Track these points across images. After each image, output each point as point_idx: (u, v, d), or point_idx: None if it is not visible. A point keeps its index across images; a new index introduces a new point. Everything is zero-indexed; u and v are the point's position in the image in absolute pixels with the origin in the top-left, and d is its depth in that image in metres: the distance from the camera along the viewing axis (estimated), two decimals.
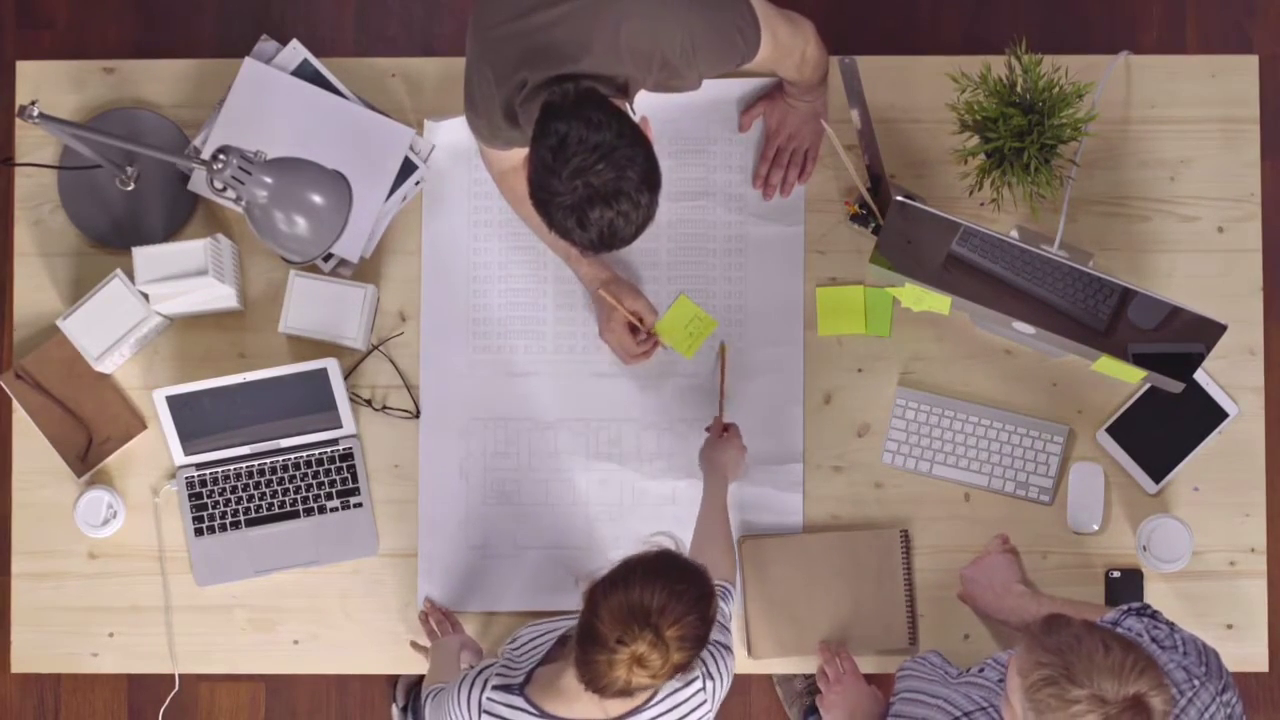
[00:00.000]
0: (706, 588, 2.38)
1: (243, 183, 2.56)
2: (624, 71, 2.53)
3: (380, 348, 2.98)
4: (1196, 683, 2.43)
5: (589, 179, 2.40)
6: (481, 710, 2.50)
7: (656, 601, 2.32)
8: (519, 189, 2.85)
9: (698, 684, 2.51)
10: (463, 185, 3.00)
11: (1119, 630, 2.52)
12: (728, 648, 2.59)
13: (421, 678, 3.42)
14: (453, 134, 2.99)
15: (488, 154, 2.88)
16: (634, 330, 2.93)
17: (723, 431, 2.89)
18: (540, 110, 2.45)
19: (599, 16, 2.49)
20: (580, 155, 2.40)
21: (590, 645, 2.34)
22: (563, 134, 2.40)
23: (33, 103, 2.58)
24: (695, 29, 2.54)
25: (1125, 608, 2.58)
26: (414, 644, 2.93)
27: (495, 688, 2.50)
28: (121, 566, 2.97)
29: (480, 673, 2.52)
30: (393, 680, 3.52)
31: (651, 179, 2.45)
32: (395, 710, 3.45)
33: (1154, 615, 2.56)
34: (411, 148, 2.96)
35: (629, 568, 2.37)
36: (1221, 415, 2.95)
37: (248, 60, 2.97)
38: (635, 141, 2.43)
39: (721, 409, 2.93)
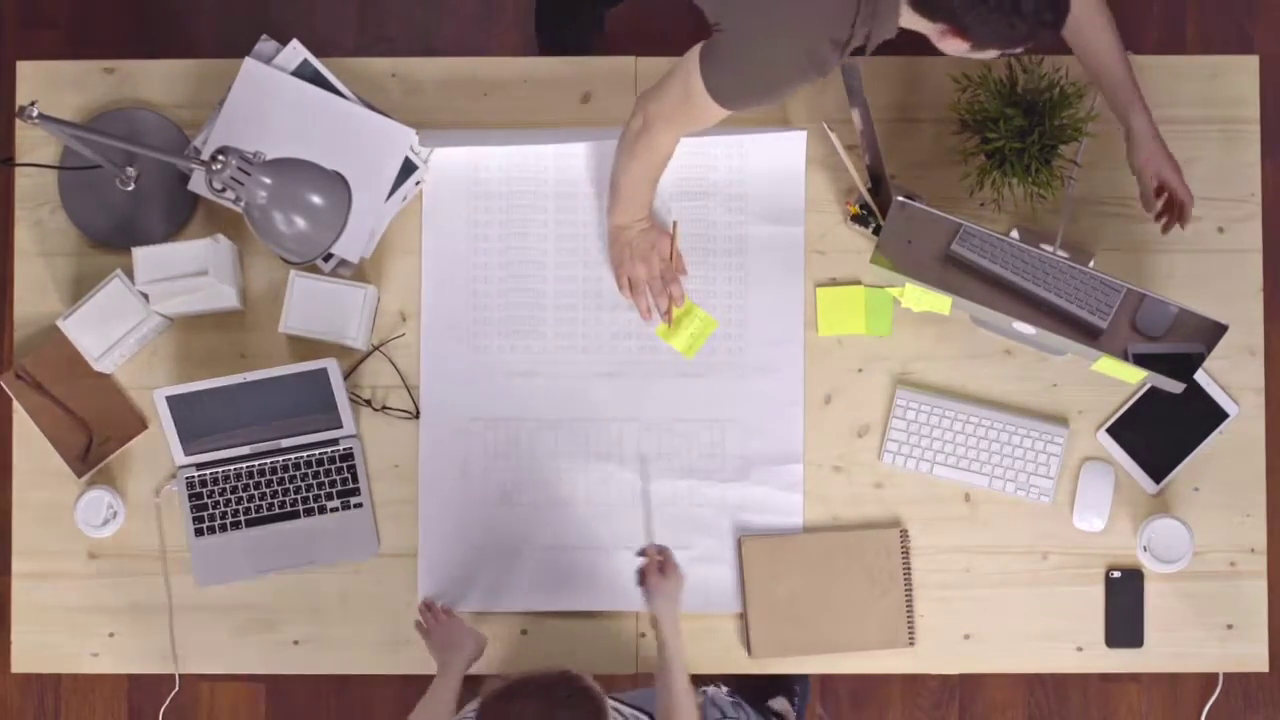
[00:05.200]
0: (592, 713, 2.35)
1: (242, 183, 2.56)
2: None
3: (381, 348, 2.98)
4: None
5: None
6: None
7: (533, 714, 2.32)
8: (666, 152, 2.77)
9: None
10: (463, 185, 3.00)
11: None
12: None
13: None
14: (448, 140, 2.99)
15: (693, 117, 2.70)
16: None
17: (658, 559, 2.75)
18: None
19: None
20: None
21: None
22: None
23: (32, 103, 2.58)
24: None
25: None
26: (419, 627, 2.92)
27: None
28: (121, 566, 2.97)
29: None
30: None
31: None
32: None
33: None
34: (411, 148, 2.96)
35: (520, 683, 2.37)
36: (1222, 415, 2.95)
37: (248, 60, 2.97)
38: None
39: (650, 534, 2.85)
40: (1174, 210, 2.79)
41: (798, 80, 2.56)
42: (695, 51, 2.61)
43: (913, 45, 3.67)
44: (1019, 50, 2.45)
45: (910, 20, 2.50)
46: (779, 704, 3.45)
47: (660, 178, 2.84)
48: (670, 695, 2.65)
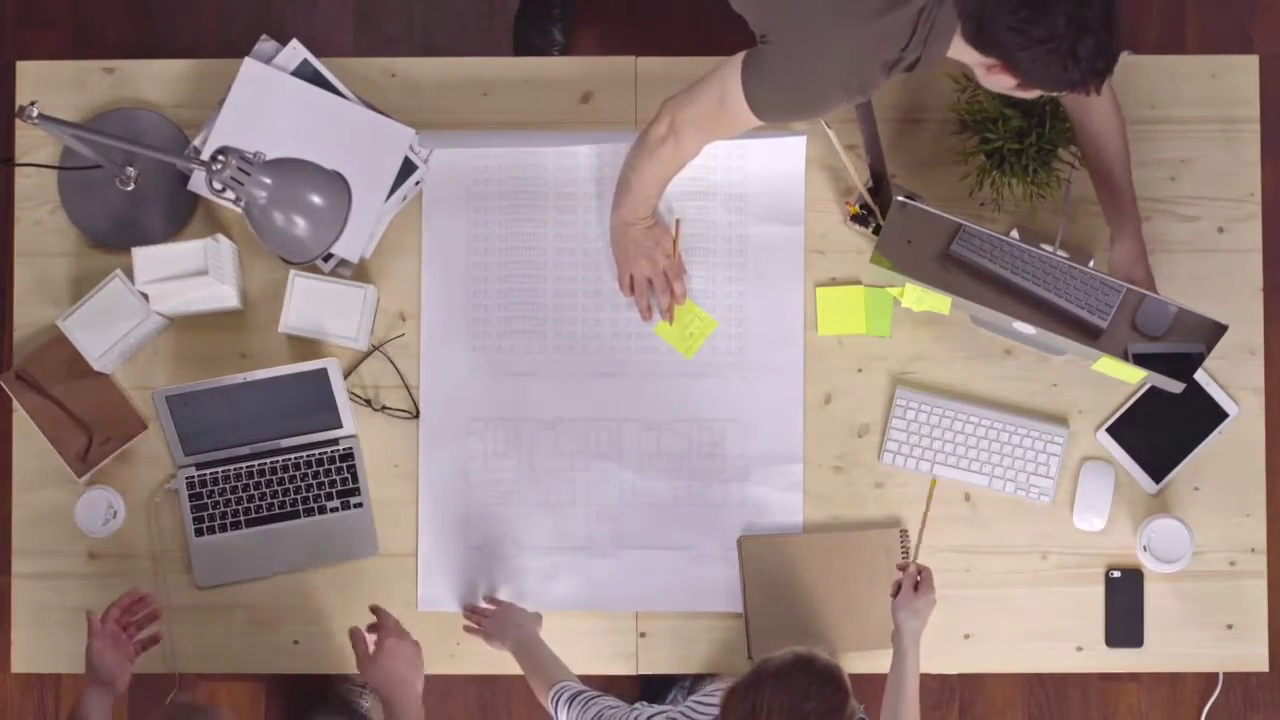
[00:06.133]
0: (837, 699, 2.35)
1: (242, 183, 2.55)
2: None
3: (380, 348, 2.98)
4: None
5: (1081, 11, 2.34)
6: None
7: (779, 713, 2.32)
8: (687, 156, 2.77)
9: None
10: (463, 185, 3.00)
11: None
12: None
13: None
14: (447, 142, 2.99)
15: (730, 123, 2.68)
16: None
17: (917, 577, 2.77)
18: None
19: None
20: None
21: None
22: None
23: (32, 103, 2.58)
24: None
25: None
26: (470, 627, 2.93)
27: None
28: (121, 566, 2.97)
29: None
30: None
31: None
32: None
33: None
34: (411, 148, 2.96)
35: (761, 672, 2.37)
36: (1222, 415, 2.95)
37: (248, 60, 2.97)
38: None
39: (916, 553, 2.86)
40: None
41: (841, 100, 2.56)
42: (736, 61, 2.60)
43: None
44: (1061, 94, 2.43)
45: (959, 51, 2.48)
46: None
47: (670, 180, 2.85)
48: (900, 705, 2.69)
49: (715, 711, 2.54)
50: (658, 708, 2.61)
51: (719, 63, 2.64)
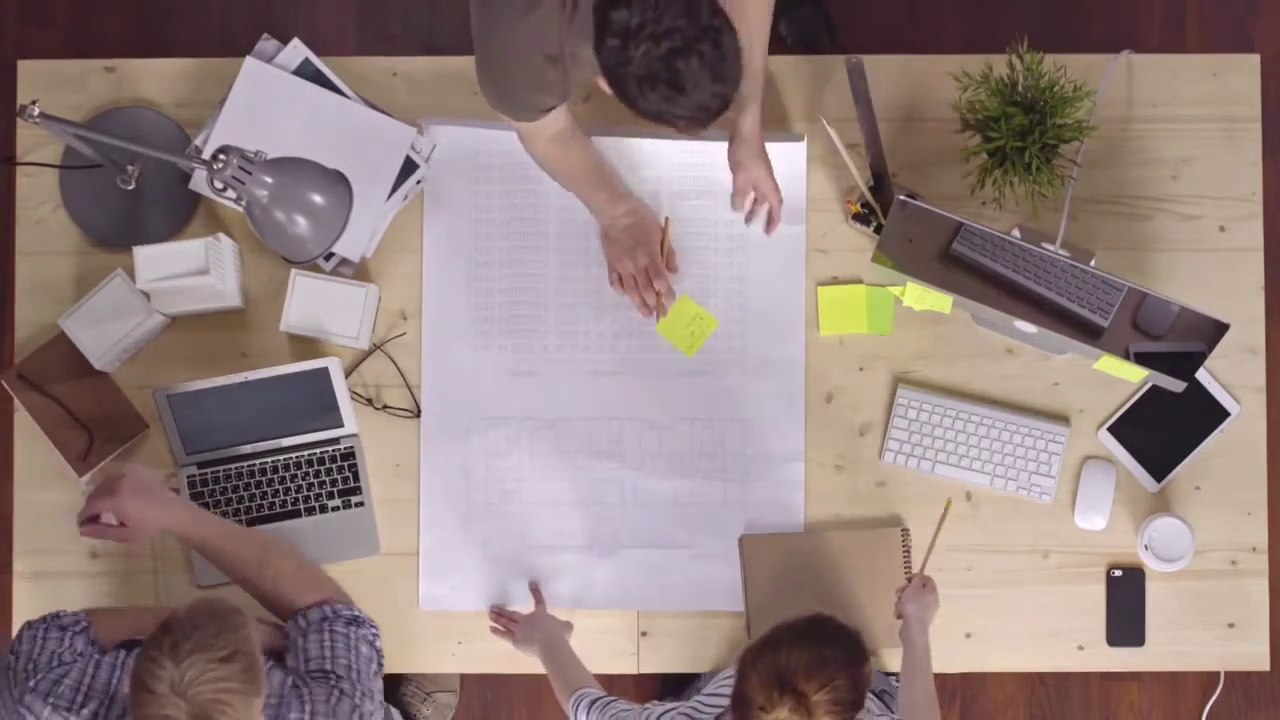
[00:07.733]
0: (857, 652, 2.40)
1: (243, 182, 2.55)
2: None
3: (382, 347, 2.98)
4: None
5: (654, 30, 2.28)
6: None
7: (801, 665, 2.35)
8: (565, 160, 2.84)
9: None
10: (464, 183, 3.00)
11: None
12: None
13: None
14: (451, 134, 2.99)
15: (524, 132, 2.78)
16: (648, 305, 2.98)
17: (922, 584, 2.83)
18: (594, 11, 2.35)
19: None
20: (640, 11, 2.28)
21: (740, 711, 2.38)
22: (621, 9, 2.30)
23: (33, 102, 2.58)
24: None
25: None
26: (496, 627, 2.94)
27: None
28: (122, 566, 2.97)
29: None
30: None
31: (719, 13, 2.31)
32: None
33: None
34: (413, 147, 2.96)
35: (777, 632, 2.41)
36: (1223, 414, 2.95)
37: (249, 59, 2.97)
38: None
39: (925, 563, 2.87)
40: (768, 211, 2.94)
41: (529, 94, 2.59)
42: None
43: (913, 44, 3.67)
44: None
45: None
46: None
47: (588, 179, 2.88)
48: (914, 695, 2.72)
49: (724, 704, 2.55)
50: (666, 705, 2.61)
51: None
